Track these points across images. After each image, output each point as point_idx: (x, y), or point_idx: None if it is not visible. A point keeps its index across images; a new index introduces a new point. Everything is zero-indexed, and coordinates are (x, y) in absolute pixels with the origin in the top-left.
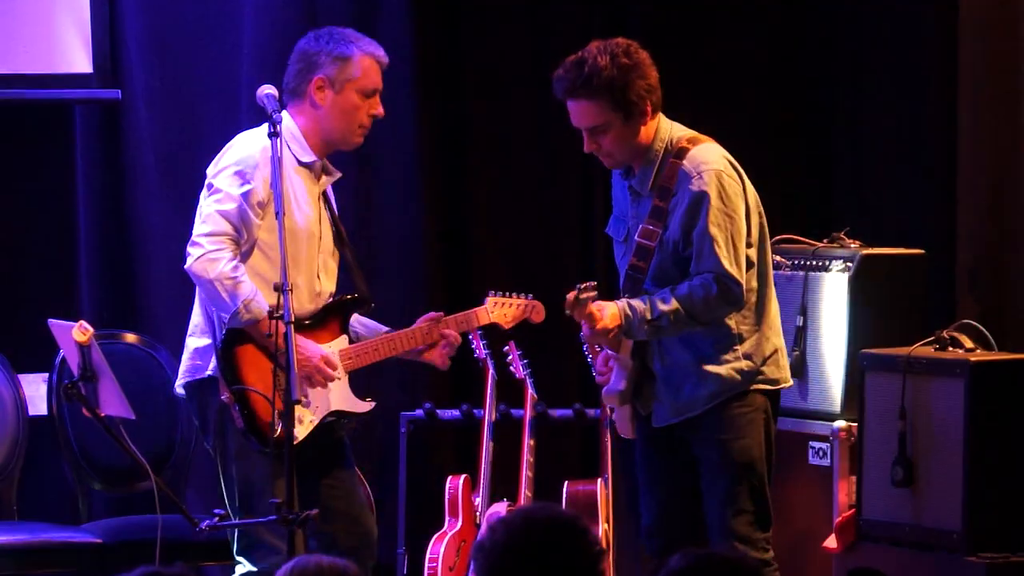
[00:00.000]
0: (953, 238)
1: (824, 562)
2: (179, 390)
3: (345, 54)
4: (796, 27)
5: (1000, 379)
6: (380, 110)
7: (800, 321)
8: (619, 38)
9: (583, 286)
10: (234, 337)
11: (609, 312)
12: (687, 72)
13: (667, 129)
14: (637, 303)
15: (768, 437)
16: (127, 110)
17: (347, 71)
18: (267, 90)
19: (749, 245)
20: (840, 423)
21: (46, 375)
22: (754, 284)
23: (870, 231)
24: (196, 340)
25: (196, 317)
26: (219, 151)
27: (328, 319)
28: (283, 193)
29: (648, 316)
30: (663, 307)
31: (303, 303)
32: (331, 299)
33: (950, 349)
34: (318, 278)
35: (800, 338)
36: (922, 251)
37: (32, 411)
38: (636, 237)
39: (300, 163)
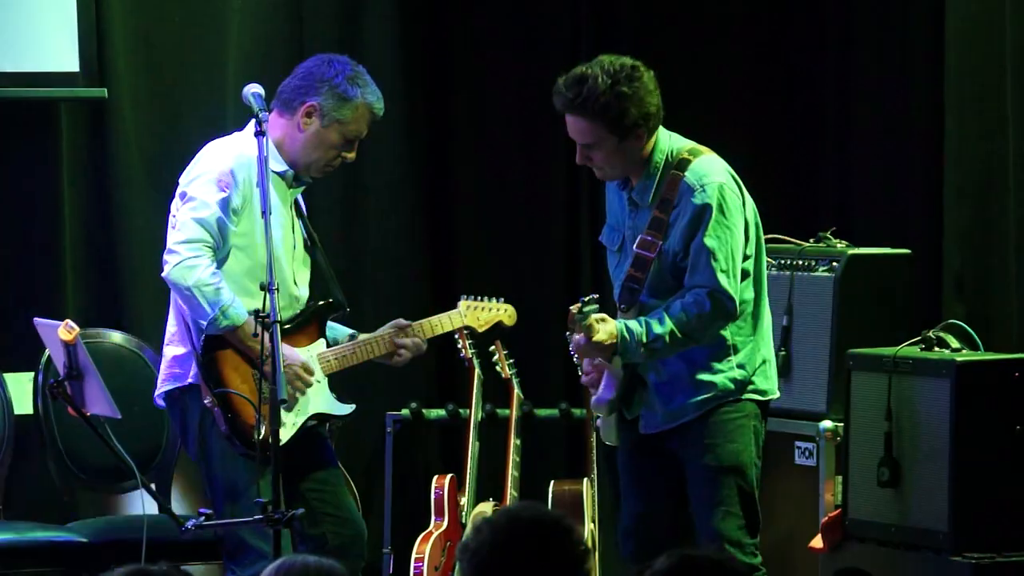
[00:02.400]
0: (939, 238)
1: (810, 562)
2: (159, 400)
3: (347, 95)
4: (784, 26)
5: (986, 379)
6: (353, 156)
7: (786, 321)
8: (625, 58)
9: (587, 299)
10: (213, 342)
11: (607, 328)
12: (675, 71)
13: (666, 141)
14: (634, 325)
15: (757, 444)
16: (113, 110)
17: (341, 111)
18: (254, 88)
19: (746, 257)
20: (826, 423)
21: (32, 374)
22: (749, 295)
23: (857, 231)
24: (173, 349)
25: (172, 326)
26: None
27: (306, 324)
28: (249, 200)
29: (644, 339)
30: (658, 329)
31: (281, 307)
32: (307, 304)
33: (936, 349)
34: (295, 284)
35: (786, 338)
36: (908, 251)
37: (18, 410)
38: (635, 248)
39: (273, 171)
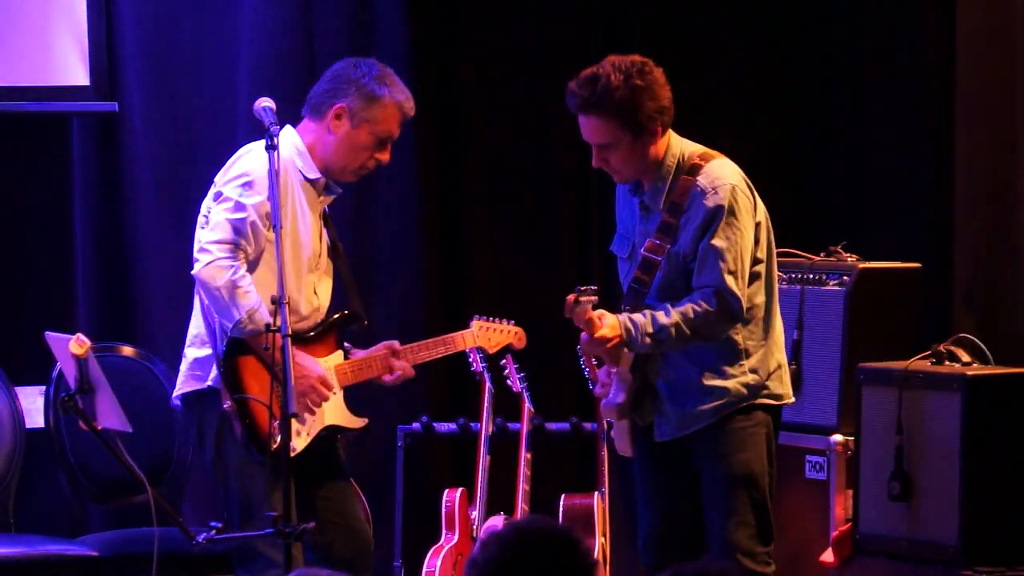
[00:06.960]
0: (950, 252)
1: None
2: (176, 401)
3: (375, 94)
4: (791, 40)
5: (996, 393)
6: (387, 158)
7: (797, 335)
8: (635, 55)
9: (583, 288)
10: (236, 347)
11: (609, 322)
12: (683, 83)
13: (678, 145)
14: (638, 316)
15: (769, 452)
16: (124, 124)
17: (370, 111)
18: (264, 103)
19: (758, 261)
20: (837, 437)
21: (43, 388)
22: (761, 299)
23: (867, 245)
24: (196, 351)
25: (195, 327)
26: (218, 164)
27: (326, 334)
28: (283, 206)
29: (649, 329)
30: (664, 320)
31: (301, 316)
32: (327, 314)
33: (947, 363)
34: (316, 293)
35: (797, 352)
36: (919, 265)
37: (29, 424)
38: (642, 251)
39: (305, 178)
